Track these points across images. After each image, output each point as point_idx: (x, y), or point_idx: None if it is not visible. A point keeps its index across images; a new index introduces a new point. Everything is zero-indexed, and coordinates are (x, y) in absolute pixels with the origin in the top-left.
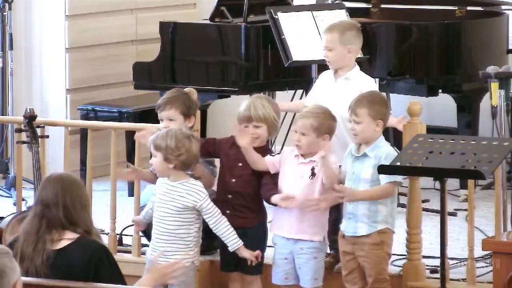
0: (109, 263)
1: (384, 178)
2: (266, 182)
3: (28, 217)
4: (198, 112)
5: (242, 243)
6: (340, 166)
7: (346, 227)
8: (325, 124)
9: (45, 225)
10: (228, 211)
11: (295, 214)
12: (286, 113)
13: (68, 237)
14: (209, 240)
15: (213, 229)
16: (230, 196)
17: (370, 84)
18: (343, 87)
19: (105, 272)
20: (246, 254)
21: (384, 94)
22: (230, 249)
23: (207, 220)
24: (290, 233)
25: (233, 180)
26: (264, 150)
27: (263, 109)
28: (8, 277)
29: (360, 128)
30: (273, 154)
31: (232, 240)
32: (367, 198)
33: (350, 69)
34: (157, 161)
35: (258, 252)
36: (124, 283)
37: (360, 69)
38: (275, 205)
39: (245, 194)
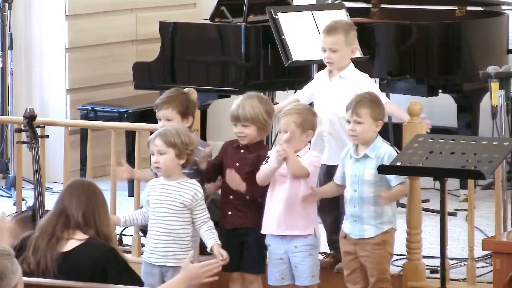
0: (118, 265)
1: (395, 180)
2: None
3: (48, 214)
4: (198, 112)
5: (219, 242)
6: (330, 165)
7: (352, 229)
8: (307, 120)
9: (62, 223)
10: (230, 212)
11: (282, 210)
12: None
13: (77, 238)
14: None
15: (196, 229)
16: (231, 196)
17: (366, 81)
18: (338, 86)
19: (112, 273)
20: (216, 250)
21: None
22: (208, 248)
23: (194, 220)
24: (280, 230)
25: None
26: (260, 146)
27: (251, 110)
28: (8, 279)
29: (361, 129)
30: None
31: (210, 239)
32: (394, 199)
33: (345, 67)
34: (169, 158)
35: (226, 256)
36: (138, 282)
37: (360, 69)
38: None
39: (246, 194)
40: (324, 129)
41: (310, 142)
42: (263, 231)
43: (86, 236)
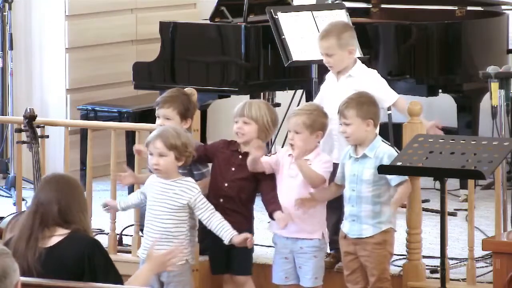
0: (103, 257)
1: (395, 179)
2: (266, 190)
3: (24, 214)
4: (198, 112)
5: (236, 232)
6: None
7: (350, 229)
8: (317, 121)
9: (38, 222)
10: None
11: (294, 214)
12: (287, 112)
13: (59, 233)
14: (208, 240)
15: (206, 225)
16: (221, 200)
17: (371, 77)
18: (346, 85)
19: (100, 265)
20: (239, 240)
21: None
22: (226, 241)
23: (199, 217)
24: (289, 232)
25: (226, 185)
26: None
27: (257, 109)
28: (11, 277)
29: (350, 130)
30: (269, 154)
31: (226, 232)
32: (403, 201)
33: (352, 66)
34: (169, 161)
35: (246, 234)
36: (119, 276)
37: None
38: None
39: (237, 199)
40: (334, 128)
41: (319, 142)
42: (271, 229)
43: (67, 231)
